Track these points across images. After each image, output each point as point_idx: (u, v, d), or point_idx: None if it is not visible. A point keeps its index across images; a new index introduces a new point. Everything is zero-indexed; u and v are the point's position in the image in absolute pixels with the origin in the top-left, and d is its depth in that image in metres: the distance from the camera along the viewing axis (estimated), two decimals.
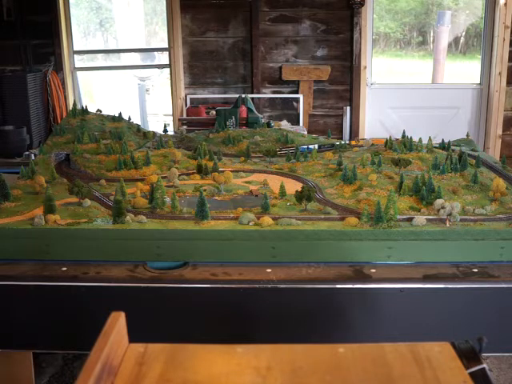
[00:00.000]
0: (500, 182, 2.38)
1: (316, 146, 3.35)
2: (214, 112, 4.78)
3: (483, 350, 1.00)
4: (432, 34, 6.45)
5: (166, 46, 5.90)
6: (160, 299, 1.94)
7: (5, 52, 5.71)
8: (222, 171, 2.71)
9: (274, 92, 5.87)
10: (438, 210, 2.13)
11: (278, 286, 1.89)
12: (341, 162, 2.84)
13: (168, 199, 2.31)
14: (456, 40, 6.42)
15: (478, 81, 5.92)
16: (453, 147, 3.18)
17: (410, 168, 2.74)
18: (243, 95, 4.88)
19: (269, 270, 1.95)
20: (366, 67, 5.77)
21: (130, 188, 2.52)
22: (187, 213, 2.21)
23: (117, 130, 3.64)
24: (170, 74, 5.84)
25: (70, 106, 4.82)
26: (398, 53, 6.48)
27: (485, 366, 0.97)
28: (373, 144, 3.46)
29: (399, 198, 2.31)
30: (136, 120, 4.95)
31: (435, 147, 3.16)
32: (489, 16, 5.68)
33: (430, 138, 3.22)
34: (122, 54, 7.88)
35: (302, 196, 2.22)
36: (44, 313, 1.95)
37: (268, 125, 3.98)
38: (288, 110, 5.91)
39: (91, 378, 0.82)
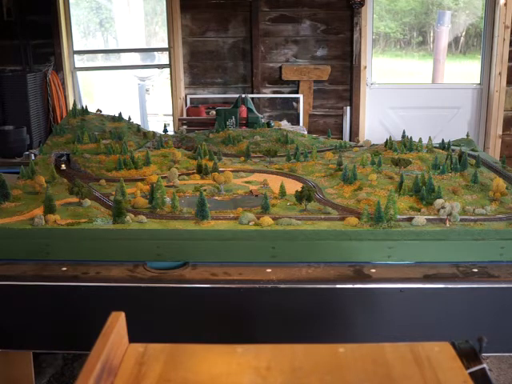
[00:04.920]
0: (500, 182, 2.38)
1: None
2: (214, 112, 4.78)
3: (483, 349, 1.00)
4: (432, 34, 6.45)
5: (166, 46, 5.90)
6: (160, 299, 1.94)
7: (5, 52, 5.71)
8: (222, 171, 2.71)
9: (274, 92, 5.87)
10: (438, 210, 2.13)
11: (278, 285, 1.89)
12: (341, 162, 2.84)
13: (168, 199, 2.31)
14: (456, 40, 6.42)
15: (478, 81, 5.92)
16: (453, 147, 3.18)
17: (410, 168, 2.74)
18: (243, 95, 4.88)
19: (269, 270, 1.95)
20: (365, 67, 5.77)
21: (129, 188, 2.52)
22: (187, 213, 2.21)
23: (117, 130, 3.64)
24: (170, 74, 5.84)
25: (70, 106, 4.82)
26: (397, 53, 6.48)
27: (485, 365, 0.97)
28: (372, 144, 3.47)
29: (399, 198, 2.31)
30: (136, 120, 4.95)
31: (435, 147, 3.16)
32: (489, 16, 5.68)
33: (429, 138, 3.22)
34: (122, 54, 7.88)
35: (302, 196, 2.22)
36: (44, 313, 1.95)
37: (268, 125, 3.98)
38: (288, 110, 5.91)
39: (91, 378, 0.82)
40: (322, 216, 2.17)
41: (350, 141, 4.82)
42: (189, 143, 3.62)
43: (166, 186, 2.41)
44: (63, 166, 2.88)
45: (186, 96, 5.88)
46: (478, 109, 5.93)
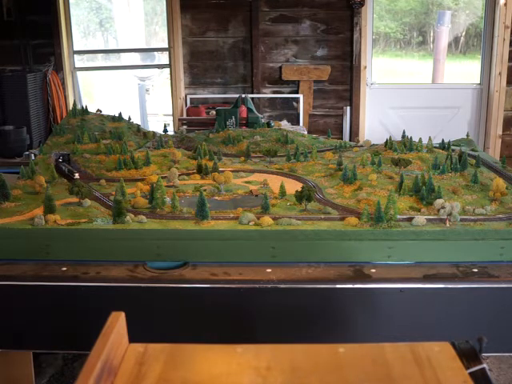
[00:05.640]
0: (500, 182, 2.38)
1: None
2: (214, 112, 4.78)
3: (483, 349, 1.00)
4: (432, 34, 6.45)
5: (166, 46, 5.91)
6: (160, 299, 1.94)
7: (5, 52, 5.72)
8: (222, 171, 2.71)
9: (274, 92, 5.87)
10: (438, 210, 2.13)
11: (278, 285, 1.89)
12: (341, 162, 2.84)
13: (168, 199, 2.31)
14: (456, 40, 6.42)
15: (478, 81, 5.92)
16: (453, 147, 3.18)
17: (410, 168, 2.74)
18: (243, 95, 4.88)
19: (269, 270, 1.95)
20: (365, 67, 5.77)
21: (130, 188, 2.52)
22: (187, 213, 2.21)
23: (117, 129, 3.64)
24: (170, 74, 5.84)
25: (70, 106, 4.83)
26: (398, 53, 6.48)
27: (485, 365, 0.97)
28: (372, 144, 3.47)
29: (399, 198, 2.31)
30: (136, 120, 4.95)
31: (435, 147, 3.16)
32: (489, 16, 5.68)
33: (430, 138, 3.22)
34: (122, 54, 7.88)
35: (302, 196, 2.22)
36: (44, 313, 1.95)
37: (268, 125, 3.98)
38: (288, 110, 5.91)
39: (91, 378, 0.82)
40: (322, 216, 2.17)
41: (350, 141, 4.82)
42: (189, 143, 3.62)
43: (166, 186, 2.41)
44: (77, 176, 2.73)
45: (186, 96, 5.88)
46: (478, 109, 5.93)
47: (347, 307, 1.90)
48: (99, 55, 7.77)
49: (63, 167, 2.92)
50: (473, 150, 3.26)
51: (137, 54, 7.81)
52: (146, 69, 7.65)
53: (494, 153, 5.76)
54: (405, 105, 5.95)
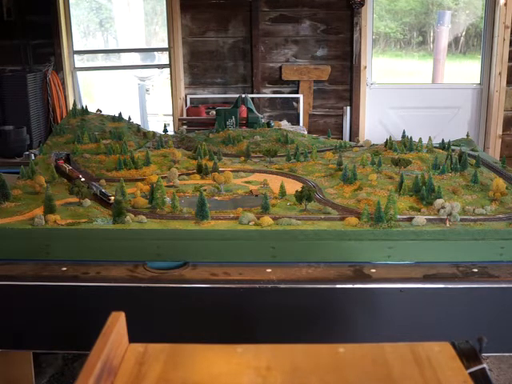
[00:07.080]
0: (500, 182, 2.38)
1: None
2: (214, 112, 4.78)
3: (483, 349, 1.00)
4: (432, 34, 6.45)
5: (166, 46, 5.91)
6: (160, 299, 1.94)
7: (5, 52, 5.72)
8: (222, 171, 2.71)
9: (274, 92, 5.87)
10: (438, 210, 2.13)
11: (278, 285, 1.89)
12: (341, 162, 2.84)
13: (168, 199, 2.31)
14: (456, 40, 6.42)
15: (478, 81, 5.92)
16: (453, 147, 3.18)
17: (410, 168, 2.74)
18: (243, 95, 4.88)
19: (269, 270, 1.95)
20: (365, 67, 5.77)
21: (129, 188, 2.52)
22: (187, 213, 2.21)
23: (117, 129, 3.64)
24: (170, 74, 5.84)
25: (70, 106, 4.83)
26: (398, 53, 6.48)
27: (485, 365, 0.97)
28: (372, 144, 3.47)
29: (399, 198, 2.31)
30: (136, 120, 4.95)
31: (435, 147, 3.16)
32: (489, 16, 5.69)
33: (430, 138, 3.22)
34: (122, 54, 7.88)
35: (302, 196, 2.22)
36: (44, 313, 1.95)
37: (268, 125, 3.98)
38: (288, 110, 5.91)
39: (91, 378, 0.82)
40: (322, 216, 2.17)
41: (350, 141, 4.82)
42: (189, 143, 3.62)
43: (166, 186, 2.41)
44: (112, 200, 2.30)
45: (186, 96, 5.88)
46: (477, 109, 5.93)
47: (347, 307, 1.90)
48: (99, 55, 7.77)
49: (94, 188, 2.56)
50: (473, 150, 3.26)
51: (137, 54, 7.81)
52: (145, 69, 7.65)
53: (494, 153, 5.76)
54: (405, 105, 5.95)
